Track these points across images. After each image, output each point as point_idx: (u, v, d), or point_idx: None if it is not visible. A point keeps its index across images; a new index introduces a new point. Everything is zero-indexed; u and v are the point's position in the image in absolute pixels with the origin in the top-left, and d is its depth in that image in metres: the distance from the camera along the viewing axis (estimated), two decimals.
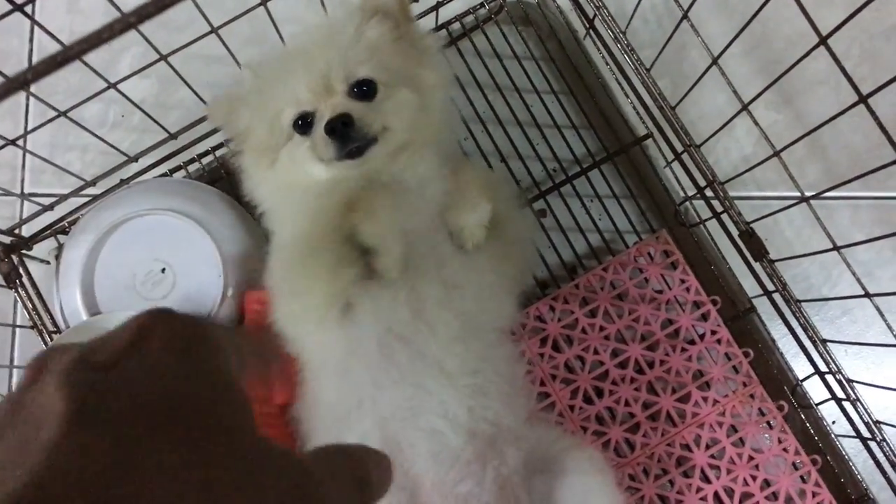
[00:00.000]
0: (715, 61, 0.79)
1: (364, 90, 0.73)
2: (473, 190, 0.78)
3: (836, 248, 0.76)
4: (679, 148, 0.93)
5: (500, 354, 0.77)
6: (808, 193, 0.77)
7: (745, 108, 0.77)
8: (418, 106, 0.76)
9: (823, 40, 0.62)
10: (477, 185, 0.78)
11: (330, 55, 0.73)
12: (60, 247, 0.93)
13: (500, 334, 0.79)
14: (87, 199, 0.94)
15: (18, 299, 0.90)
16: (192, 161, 0.96)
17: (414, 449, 0.70)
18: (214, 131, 0.94)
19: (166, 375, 0.30)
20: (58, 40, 0.69)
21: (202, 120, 0.93)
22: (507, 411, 0.74)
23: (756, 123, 0.78)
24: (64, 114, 0.81)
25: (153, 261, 0.90)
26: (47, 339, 0.90)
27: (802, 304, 0.88)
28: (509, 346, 0.81)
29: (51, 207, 0.91)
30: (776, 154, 0.79)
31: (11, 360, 0.97)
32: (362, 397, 0.70)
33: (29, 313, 0.90)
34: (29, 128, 0.96)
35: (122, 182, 0.94)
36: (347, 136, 0.70)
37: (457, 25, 1.00)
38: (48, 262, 0.94)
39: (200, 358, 0.31)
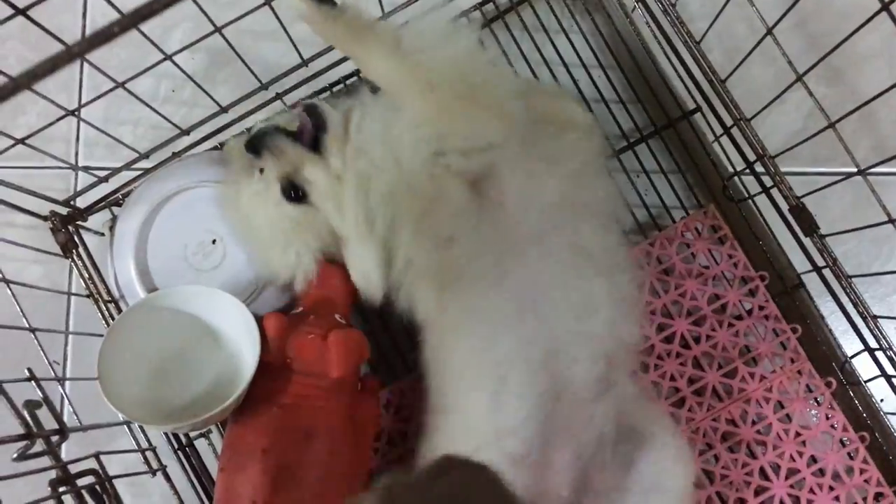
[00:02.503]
0: (770, 31, 0.78)
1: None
2: None
3: (891, 220, 0.75)
4: (728, 122, 0.92)
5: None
6: (861, 168, 0.76)
7: (799, 77, 0.76)
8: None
9: (885, 6, 0.61)
10: None
11: None
12: (114, 218, 0.95)
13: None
14: (139, 171, 0.96)
15: (75, 268, 0.92)
16: (241, 134, 0.98)
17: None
18: (265, 105, 0.95)
19: None
20: (115, 7, 0.70)
21: (252, 94, 0.94)
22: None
23: (811, 94, 0.77)
24: (122, 85, 0.82)
25: (204, 232, 0.92)
26: (102, 307, 0.92)
27: (853, 279, 0.87)
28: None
29: (105, 179, 0.93)
30: (831, 125, 0.78)
31: (67, 327, 1.00)
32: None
33: (85, 282, 0.92)
34: (82, 101, 0.97)
35: (174, 155, 0.96)
36: None
37: None
38: (102, 234, 0.96)
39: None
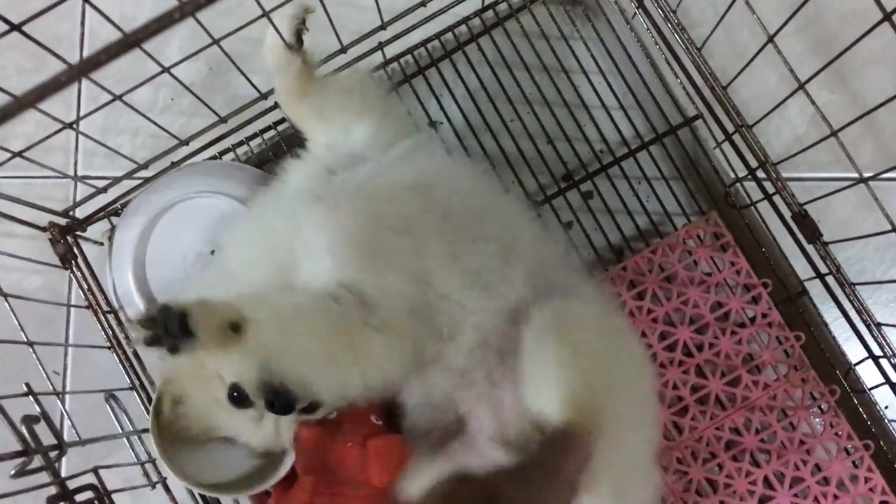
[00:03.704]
0: (771, 39, 0.78)
1: None
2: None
3: (895, 229, 0.74)
4: (730, 128, 0.91)
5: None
6: (864, 175, 0.76)
7: (801, 86, 0.76)
8: None
9: (888, 16, 0.60)
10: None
11: None
12: (113, 228, 0.95)
13: None
14: (138, 181, 0.95)
15: (73, 279, 0.92)
16: (240, 144, 0.97)
17: None
18: (263, 114, 0.95)
19: None
20: (115, 25, 0.69)
21: (251, 103, 0.93)
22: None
23: (813, 102, 0.77)
24: (119, 97, 0.82)
25: (203, 242, 0.92)
26: (101, 318, 0.91)
27: (856, 286, 0.86)
28: None
29: (104, 190, 0.93)
30: (833, 134, 0.77)
31: (67, 339, 0.99)
32: None
33: (84, 293, 0.92)
34: (82, 112, 0.97)
35: (173, 164, 0.95)
36: None
37: (503, 6, 0.99)
38: (102, 244, 0.96)
39: None
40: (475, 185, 0.81)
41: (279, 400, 0.64)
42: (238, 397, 0.69)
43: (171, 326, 0.60)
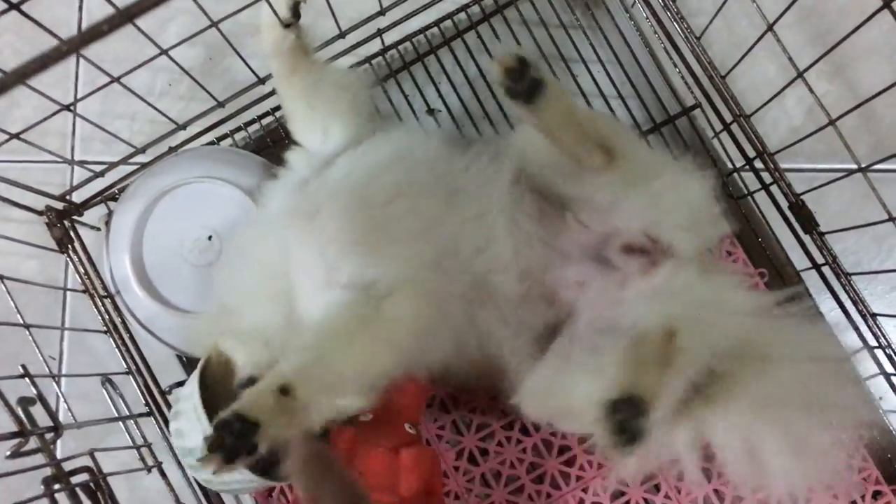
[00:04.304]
0: (770, 28, 0.78)
1: None
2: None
3: (892, 218, 0.74)
4: (728, 118, 0.91)
5: None
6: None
7: (800, 74, 0.76)
8: None
9: (888, 3, 0.60)
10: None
11: None
12: (110, 213, 0.95)
13: None
14: (135, 166, 0.95)
15: (70, 263, 0.92)
16: (238, 130, 0.97)
17: None
18: (261, 100, 0.95)
19: None
20: (113, 5, 0.69)
21: (249, 88, 0.93)
22: None
23: (811, 91, 0.77)
24: (117, 79, 0.81)
25: (200, 228, 0.91)
26: (98, 303, 0.91)
27: (852, 277, 0.86)
28: None
29: (101, 174, 0.93)
30: (831, 123, 0.77)
31: (63, 323, 0.99)
32: None
33: (81, 277, 0.92)
34: (78, 96, 0.97)
35: (171, 150, 0.95)
36: None
37: None
38: (99, 229, 0.96)
39: None
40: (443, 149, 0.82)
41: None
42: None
43: (232, 439, 0.58)
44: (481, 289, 0.75)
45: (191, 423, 0.74)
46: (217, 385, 0.78)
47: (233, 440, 0.58)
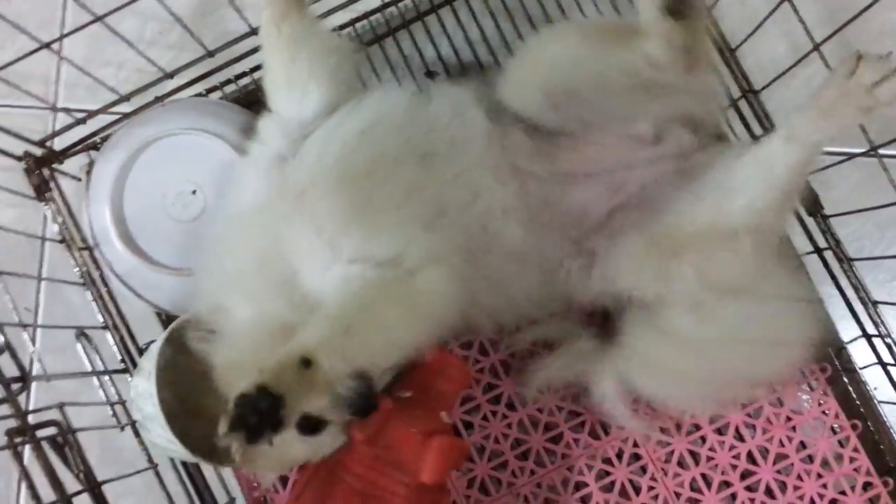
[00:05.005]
0: None
1: None
2: None
3: None
4: (736, 94, 0.88)
5: None
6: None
7: (816, 47, 0.73)
8: None
9: None
10: None
11: None
12: (91, 163, 0.92)
13: None
14: (120, 115, 0.92)
15: (48, 212, 0.89)
16: (228, 82, 0.93)
17: None
18: (253, 52, 0.91)
19: None
20: None
21: (240, 39, 0.89)
22: None
23: (826, 64, 0.74)
24: (100, 18, 0.78)
25: (185, 181, 0.88)
26: (76, 254, 0.88)
27: (854, 262, 0.84)
28: None
29: (83, 121, 0.89)
30: None
31: (40, 273, 0.96)
32: None
33: (59, 227, 0.89)
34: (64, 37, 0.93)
35: (157, 100, 0.91)
36: None
37: None
38: (79, 179, 0.93)
39: None
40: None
41: (361, 407, 0.62)
42: (308, 427, 0.67)
43: (257, 414, 0.55)
44: (481, 238, 0.74)
45: (144, 384, 0.72)
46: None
47: (257, 418, 0.55)
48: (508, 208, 0.75)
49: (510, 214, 0.75)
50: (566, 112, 0.76)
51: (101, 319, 0.88)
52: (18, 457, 0.61)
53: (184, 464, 0.87)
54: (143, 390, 0.71)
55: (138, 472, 0.81)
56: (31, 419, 0.66)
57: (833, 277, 0.86)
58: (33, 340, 0.78)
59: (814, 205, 0.84)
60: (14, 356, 0.64)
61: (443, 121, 0.77)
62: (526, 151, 0.77)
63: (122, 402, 0.83)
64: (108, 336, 0.88)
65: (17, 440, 0.61)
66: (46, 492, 0.62)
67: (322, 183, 0.72)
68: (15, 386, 0.64)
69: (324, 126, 0.77)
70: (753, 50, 0.93)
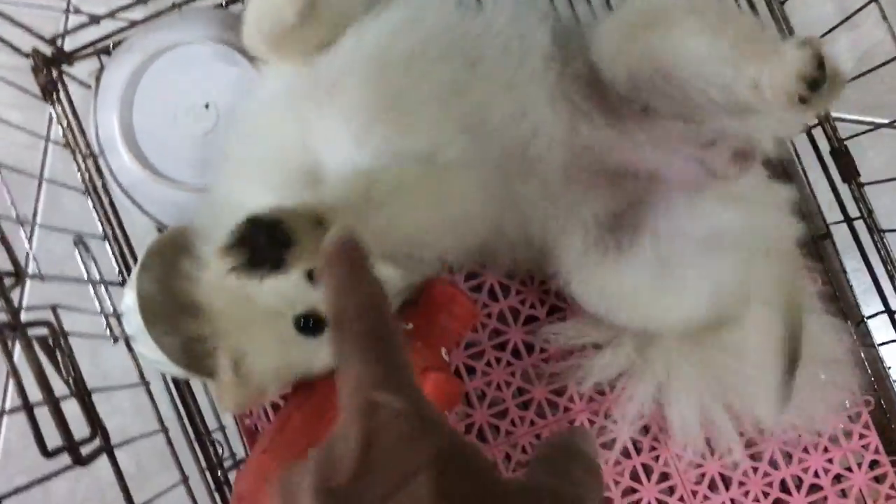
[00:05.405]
0: None
1: None
2: None
3: None
4: None
5: None
6: None
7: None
8: None
9: None
10: None
11: None
12: (102, 69, 0.88)
13: None
14: (135, 20, 0.87)
15: (54, 115, 0.85)
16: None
17: None
18: None
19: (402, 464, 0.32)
20: None
21: None
22: None
23: (885, 18, 0.70)
24: None
25: (198, 94, 0.84)
26: (80, 160, 0.85)
27: (886, 234, 0.81)
28: None
29: (96, 21, 0.85)
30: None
31: (41, 175, 0.92)
32: None
33: (63, 131, 0.85)
34: None
35: (174, 6, 0.87)
36: None
37: None
38: (89, 86, 0.89)
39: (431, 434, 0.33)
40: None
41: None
42: (309, 326, 0.65)
43: (263, 242, 0.51)
44: (520, 161, 0.70)
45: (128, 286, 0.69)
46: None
47: (264, 240, 0.50)
48: (555, 139, 0.72)
49: (554, 147, 0.72)
50: (642, 89, 0.70)
51: (101, 230, 0.85)
52: (7, 351, 0.58)
53: (176, 385, 0.84)
54: (126, 292, 0.68)
55: (129, 385, 0.79)
56: (24, 319, 0.63)
57: (861, 249, 0.83)
58: (30, 240, 0.74)
59: (850, 170, 0.81)
60: (9, 250, 0.61)
61: (496, 26, 0.72)
62: (585, 91, 0.73)
63: (118, 315, 0.80)
64: (107, 248, 0.85)
65: (7, 334, 0.58)
66: (33, 392, 0.59)
67: (354, 76, 0.67)
68: (8, 281, 0.61)
69: (357, 24, 0.72)
70: (797, 9, 0.90)
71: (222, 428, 0.88)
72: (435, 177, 0.64)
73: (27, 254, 0.72)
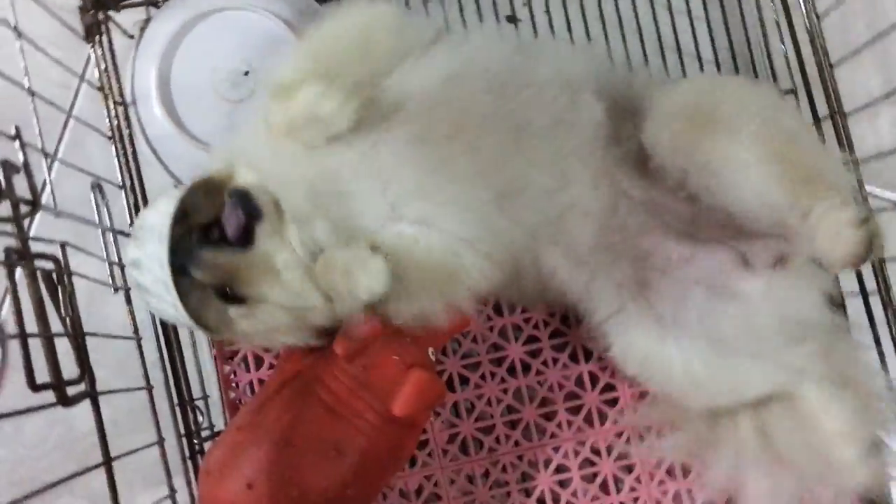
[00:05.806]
0: None
1: None
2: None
3: None
4: (823, 112, 0.84)
5: None
6: None
7: None
8: None
9: None
10: None
11: None
12: (147, 20, 0.88)
13: None
14: None
15: (93, 56, 0.85)
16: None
17: None
18: None
19: None
20: None
21: None
22: None
23: None
24: None
25: (240, 60, 0.84)
26: (110, 105, 0.84)
27: None
28: None
29: None
30: None
31: (70, 110, 0.91)
32: None
33: (100, 73, 0.85)
34: None
35: None
36: None
37: None
38: (132, 36, 0.89)
39: None
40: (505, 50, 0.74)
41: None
42: None
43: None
44: (551, 228, 0.70)
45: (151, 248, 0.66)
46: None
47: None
48: (590, 214, 0.71)
49: (589, 221, 0.71)
50: (691, 184, 0.69)
51: (120, 178, 0.84)
52: (11, 275, 0.57)
53: (168, 348, 0.83)
54: (152, 251, 0.66)
55: (123, 337, 0.78)
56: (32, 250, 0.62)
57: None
58: (49, 170, 0.73)
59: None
60: (30, 177, 0.60)
61: (549, 93, 0.70)
62: (630, 172, 0.72)
63: (122, 266, 0.79)
64: (122, 198, 0.84)
65: (14, 259, 0.57)
66: (29, 321, 0.58)
67: (396, 138, 0.65)
68: (24, 208, 0.60)
69: (403, 66, 0.69)
70: (842, 76, 0.89)
71: (205, 397, 0.87)
72: (455, 256, 0.65)
73: (45, 183, 0.70)
